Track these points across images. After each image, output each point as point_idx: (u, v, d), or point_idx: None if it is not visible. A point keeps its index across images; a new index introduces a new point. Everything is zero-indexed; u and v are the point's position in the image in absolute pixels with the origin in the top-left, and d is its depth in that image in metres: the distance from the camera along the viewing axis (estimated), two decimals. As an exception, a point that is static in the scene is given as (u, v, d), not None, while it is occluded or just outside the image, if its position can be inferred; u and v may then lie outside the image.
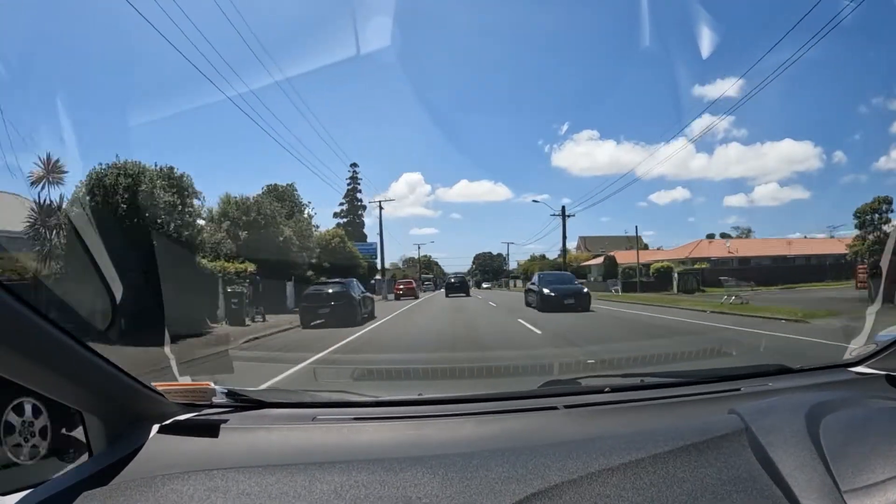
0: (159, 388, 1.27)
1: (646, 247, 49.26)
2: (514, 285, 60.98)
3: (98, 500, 0.94)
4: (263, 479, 0.98)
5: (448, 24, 41.20)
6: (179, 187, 13.24)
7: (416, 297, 30.31)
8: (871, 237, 22.85)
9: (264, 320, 15.29)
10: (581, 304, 15.57)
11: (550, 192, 72.05)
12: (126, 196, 11.66)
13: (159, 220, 12.11)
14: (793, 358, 2.49)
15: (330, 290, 14.13)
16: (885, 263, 5.58)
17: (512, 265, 67.79)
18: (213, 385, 1.38)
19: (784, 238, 38.48)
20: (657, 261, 35.91)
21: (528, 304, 17.30)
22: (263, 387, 5.26)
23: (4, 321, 0.83)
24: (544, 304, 15.37)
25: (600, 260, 44.90)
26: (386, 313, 16.73)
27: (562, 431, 1.28)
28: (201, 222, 16.70)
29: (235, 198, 21.98)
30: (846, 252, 26.02)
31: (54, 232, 11.62)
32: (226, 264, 16.45)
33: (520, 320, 12.46)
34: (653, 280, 31.73)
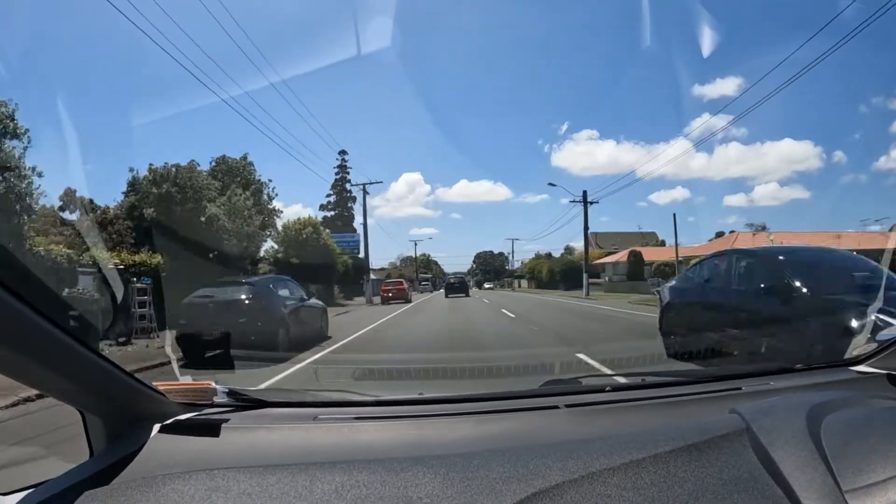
0: (160, 388, 1.27)
1: (662, 243, 47.44)
2: (518, 285, 58.17)
3: (99, 499, 0.94)
4: (264, 478, 0.98)
5: (448, 25, 41.26)
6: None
7: (408, 301, 26.72)
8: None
9: (150, 337, 10.60)
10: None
11: (550, 192, 71.85)
12: None
13: None
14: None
15: (226, 298, 8.39)
16: (885, 262, 5.57)
17: (514, 265, 65.65)
18: (213, 384, 1.38)
19: (832, 231, 31.50)
20: (695, 256, 32.42)
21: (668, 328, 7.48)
22: (264, 386, 5.26)
23: (4, 320, 0.83)
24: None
25: (616, 257, 43.23)
26: (356, 327, 12.59)
27: (563, 431, 1.28)
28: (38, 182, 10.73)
29: (158, 167, 15.65)
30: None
31: None
32: (119, 256, 12.06)
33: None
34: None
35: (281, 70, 28.93)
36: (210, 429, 1.22)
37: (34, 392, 4.64)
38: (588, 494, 0.92)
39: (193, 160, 18.01)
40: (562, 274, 45.08)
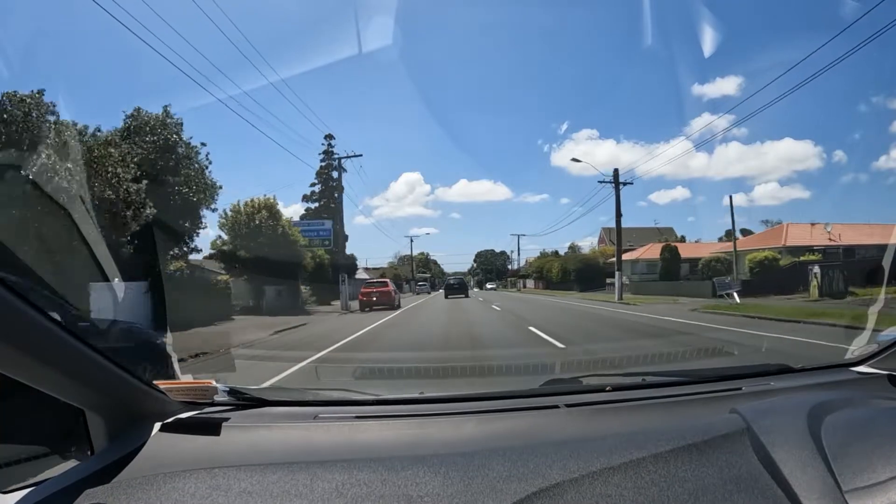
0: (161, 387, 1.27)
1: (682, 239, 44.93)
2: (524, 286, 53.17)
3: (100, 498, 0.94)
4: (265, 477, 0.98)
5: (449, 24, 41.20)
6: None
7: (395, 307, 20.58)
8: None
9: None
10: None
11: (550, 192, 71.74)
12: None
13: None
14: None
15: None
16: (886, 262, 5.57)
17: (518, 263, 61.97)
18: (214, 383, 1.38)
19: (891, 224, 26.42)
20: (753, 250, 25.84)
21: None
22: (265, 385, 5.27)
23: (5, 319, 0.83)
24: None
25: (637, 254, 39.25)
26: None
27: (563, 430, 1.28)
28: None
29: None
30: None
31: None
32: None
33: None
34: (751, 278, 22.42)
35: (280, 69, 28.70)
36: (211, 427, 1.22)
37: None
38: (588, 494, 0.92)
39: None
40: (577, 273, 39.88)
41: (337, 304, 23.56)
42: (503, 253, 74.87)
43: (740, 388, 1.56)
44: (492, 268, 75.79)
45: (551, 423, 1.34)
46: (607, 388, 1.57)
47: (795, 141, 51.33)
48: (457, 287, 32.25)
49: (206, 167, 17.45)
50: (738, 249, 26.27)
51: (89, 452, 1.17)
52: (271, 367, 6.83)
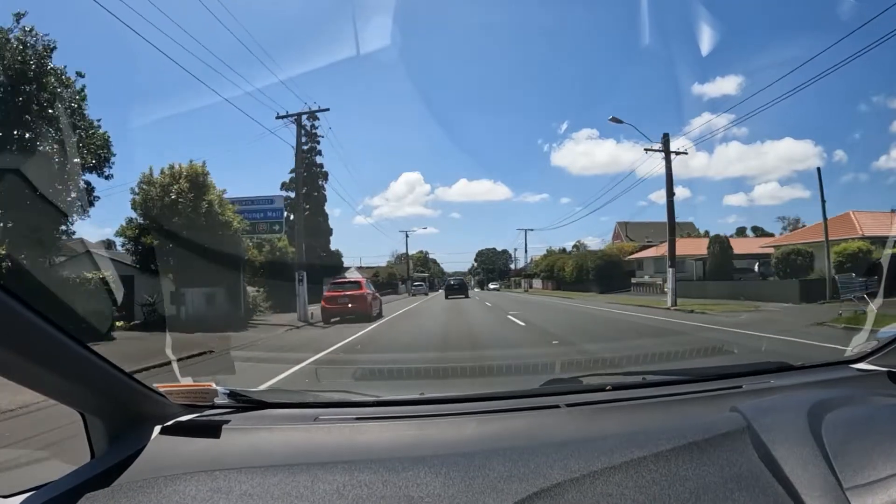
0: (161, 389, 1.27)
1: (706, 233, 39.34)
2: (530, 286, 49.15)
3: (100, 501, 0.94)
4: (266, 479, 0.98)
5: (448, 24, 41.24)
6: None
7: (373, 319, 15.20)
8: None
9: None
10: None
11: (550, 192, 71.71)
12: None
13: None
14: None
15: None
16: (885, 260, 5.58)
17: (522, 262, 57.98)
18: (214, 386, 1.38)
19: None
20: (842, 239, 20.70)
21: None
22: (264, 387, 5.26)
23: (5, 322, 0.83)
24: None
25: (660, 250, 31.69)
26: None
27: (564, 430, 1.28)
28: None
29: None
30: None
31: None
32: None
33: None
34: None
35: (279, 70, 28.34)
36: (211, 430, 1.22)
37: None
38: (589, 493, 0.92)
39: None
40: (596, 271, 34.81)
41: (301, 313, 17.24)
42: (505, 252, 72.57)
43: (740, 387, 1.56)
44: (493, 267, 74.05)
45: (552, 422, 1.34)
46: (607, 388, 1.57)
47: (796, 141, 51.17)
48: (457, 287, 32.97)
49: (81, 108, 11.52)
50: (790, 244, 22.68)
51: (90, 456, 1.17)
52: (271, 368, 6.83)
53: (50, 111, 11.04)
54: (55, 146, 11.12)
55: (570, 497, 0.92)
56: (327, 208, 37.43)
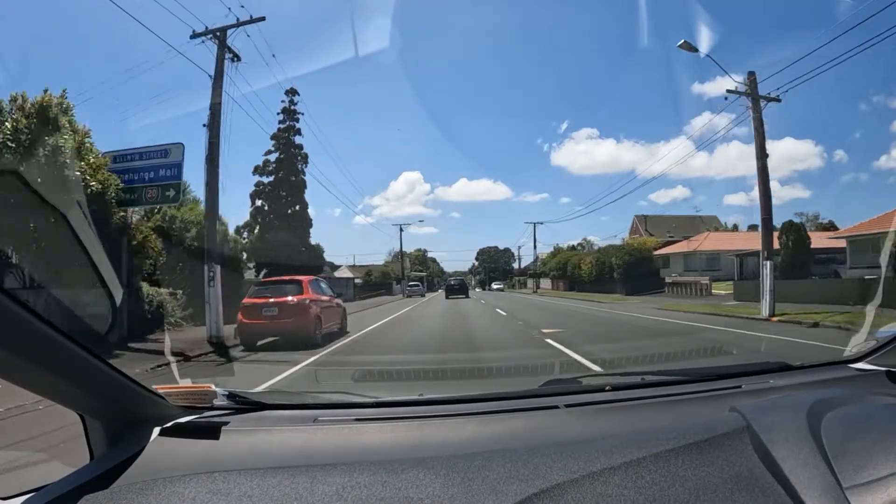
0: (160, 391, 1.27)
1: (735, 227, 38.06)
2: (537, 286, 44.90)
3: (100, 503, 0.93)
4: (265, 480, 0.98)
5: (447, 25, 41.25)
6: None
7: (327, 341, 9.69)
8: None
9: None
10: None
11: (550, 191, 71.66)
12: None
13: None
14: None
15: None
16: (883, 259, 5.60)
17: (526, 259, 55.41)
18: (213, 387, 1.38)
19: None
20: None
21: None
22: (263, 388, 5.26)
23: (4, 324, 0.83)
24: None
25: (692, 245, 31.07)
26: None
27: (563, 431, 1.28)
28: None
29: None
30: None
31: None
32: None
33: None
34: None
35: (278, 72, 27.99)
36: (210, 431, 1.22)
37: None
38: (589, 494, 0.92)
39: None
40: (624, 270, 29.55)
41: (228, 328, 10.81)
42: (507, 250, 70.67)
43: (740, 387, 1.56)
44: (495, 266, 73.12)
45: (551, 423, 1.34)
46: (607, 388, 1.57)
47: (796, 140, 51.00)
48: (457, 287, 33.65)
49: None
50: (846, 235, 20.01)
51: (89, 458, 1.17)
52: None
53: None
54: None
55: (570, 498, 0.92)
56: (312, 200, 31.06)
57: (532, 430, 1.29)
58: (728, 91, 15.00)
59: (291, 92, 27.07)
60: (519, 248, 68.54)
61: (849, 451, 0.98)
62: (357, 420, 1.36)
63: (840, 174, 44.79)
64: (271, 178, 28.73)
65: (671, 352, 6.80)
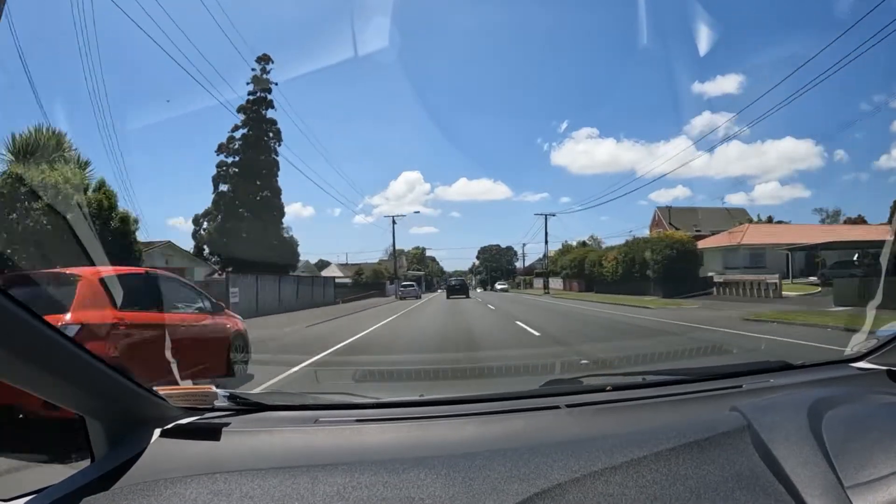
0: (161, 392, 1.27)
1: (770, 219, 35.60)
2: (545, 286, 40.99)
3: None
4: (266, 481, 0.98)
5: (446, 24, 41.23)
6: None
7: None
8: None
9: None
10: None
11: (550, 191, 71.49)
12: None
13: None
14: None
15: None
16: (884, 257, 5.60)
17: (531, 258, 53.04)
18: (214, 388, 1.38)
19: None
20: None
21: None
22: (264, 389, 5.26)
23: (5, 325, 0.83)
24: None
25: (737, 238, 27.18)
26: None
27: (564, 430, 1.28)
28: None
29: None
30: None
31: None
32: None
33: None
34: None
35: (277, 73, 27.72)
36: (211, 432, 1.22)
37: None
38: (590, 493, 0.92)
39: None
40: (663, 267, 24.03)
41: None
42: (510, 249, 69.28)
43: (740, 386, 1.56)
44: (497, 265, 72.10)
45: (552, 423, 1.34)
46: (607, 388, 1.57)
47: (797, 140, 50.77)
48: (458, 287, 34.00)
49: None
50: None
51: (90, 459, 1.17)
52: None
53: None
54: None
55: (572, 497, 0.92)
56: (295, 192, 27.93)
57: (533, 429, 1.29)
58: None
59: (264, 59, 23.17)
60: (524, 245, 67.31)
61: (850, 449, 0.98)
62: (358, 420, 1.36)
63: (840, 174, 44.78)
64: (237, 158, 24.19)
65: (671, 351, 6.81)
